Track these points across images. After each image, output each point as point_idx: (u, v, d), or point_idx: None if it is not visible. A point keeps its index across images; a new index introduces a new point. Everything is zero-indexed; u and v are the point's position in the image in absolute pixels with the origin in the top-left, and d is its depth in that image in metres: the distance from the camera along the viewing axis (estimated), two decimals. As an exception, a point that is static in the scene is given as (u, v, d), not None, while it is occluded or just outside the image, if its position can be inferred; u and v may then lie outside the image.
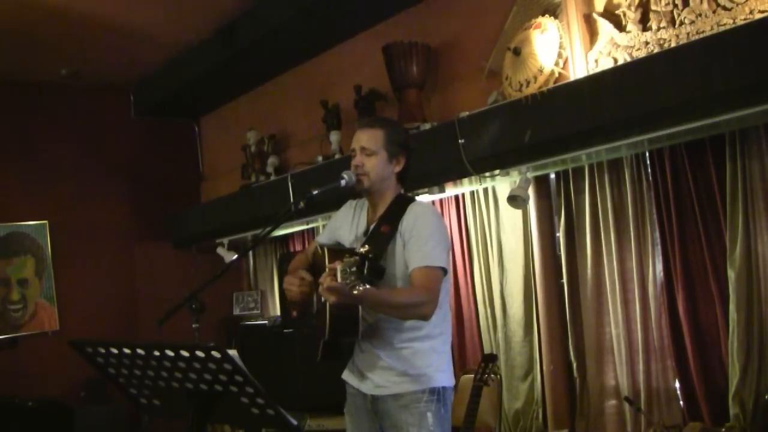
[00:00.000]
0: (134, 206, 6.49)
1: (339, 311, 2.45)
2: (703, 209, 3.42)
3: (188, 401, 2.02)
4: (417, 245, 2.50)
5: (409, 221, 2.55)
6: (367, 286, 2.13)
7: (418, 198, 2.83)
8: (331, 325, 2.47)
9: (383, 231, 2.57)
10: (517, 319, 4.22)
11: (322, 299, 2.46)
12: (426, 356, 2.56)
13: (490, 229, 4.36)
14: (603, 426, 3.82)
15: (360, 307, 2.48)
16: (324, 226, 5.37)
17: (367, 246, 2.16)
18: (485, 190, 4.36)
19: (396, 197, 2.67)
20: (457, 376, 4.14)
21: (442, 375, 2.58)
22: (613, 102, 3.09)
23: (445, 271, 2.51)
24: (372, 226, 2.63)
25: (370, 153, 2.60)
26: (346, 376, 2.74)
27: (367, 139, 2.62)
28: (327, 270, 2.31)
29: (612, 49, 3.39)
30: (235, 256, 5.72)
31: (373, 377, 2.60)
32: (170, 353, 1.92)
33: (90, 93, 6.33)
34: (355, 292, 2.13)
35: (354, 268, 2.13)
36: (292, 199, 4.78)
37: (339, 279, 2.17)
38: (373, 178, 2.61)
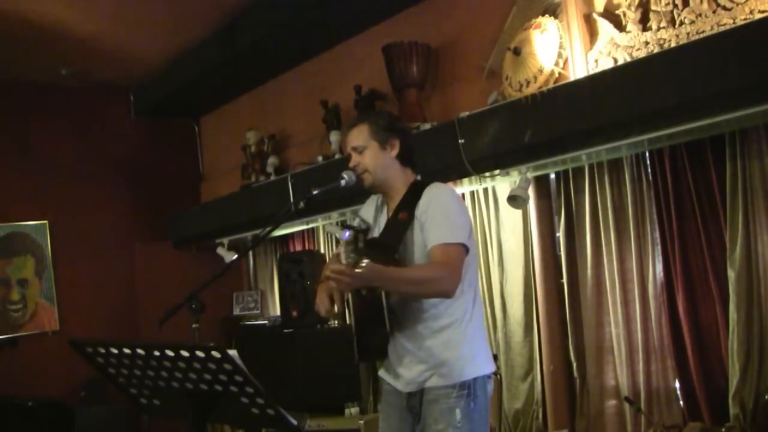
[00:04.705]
0: (134, 206, 6.49)
1: (361, 306, 2.42)
2: (703, 209, 3.42)
3: (188, 401, 2.01)
4: (433, 225, 2.46)
5: (424, 204, 2.51)
6: (368, 261, 2.15)
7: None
8: (357, 321, 2.44)
9: (401, 218, 2.55)
10: (517, 319, 4.22)
11: (347, 296, 2.46)
12: (455, 347, 2.49)
13: (490, 229, 4.36)
14: (603, 426, 3.82)
15: (384, 300, 2.42)
16: (324, 227, 5.43)
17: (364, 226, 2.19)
18: (485, 190, 4.36)
19: (412, 184, 2.63)
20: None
21: (473, 366, 2.50)
22: (613, 102, 3.09)
23: (466, 248, 2.45)
24: (390, 216, 2.61)
25: (361, 149, 2.59)
26: (383, 373, 2.70)
27: (355, 137, 2.62)
28: (332, 257, 2.37)
29: (612, 49, 3.39)
30: (235, 256, 5.72)
31: (405, 373, 2.56)
32: (170, 353, 1.92)
33: (90, 93, 6.33)
34: (358, 269, 2.14)
35: (351, 246, 2.17)
36: (292, 199, 4.78)
37: (343, 261, 2.20)
38: (374, 172, 2.59)
